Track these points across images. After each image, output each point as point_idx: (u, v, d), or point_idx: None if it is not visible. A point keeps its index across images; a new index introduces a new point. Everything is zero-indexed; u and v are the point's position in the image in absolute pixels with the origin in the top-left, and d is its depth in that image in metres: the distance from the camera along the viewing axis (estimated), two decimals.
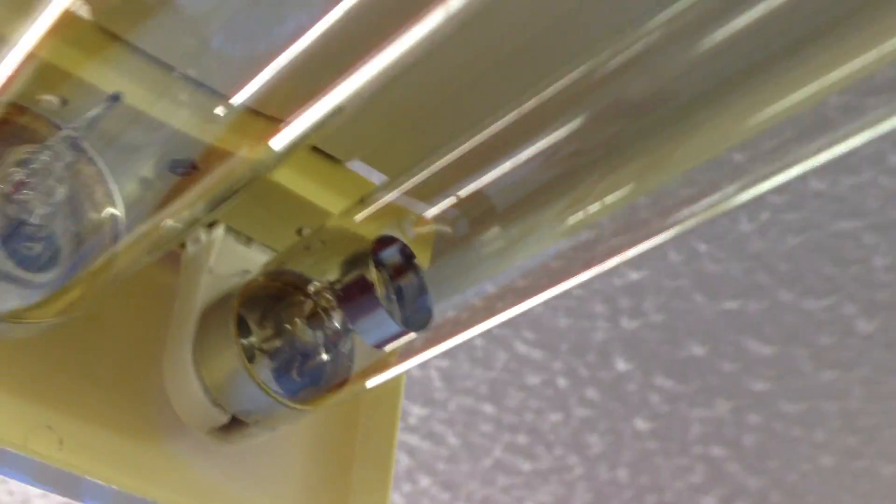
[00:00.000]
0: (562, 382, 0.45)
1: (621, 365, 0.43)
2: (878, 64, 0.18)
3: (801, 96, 0.19)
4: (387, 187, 0.21)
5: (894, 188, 0.34)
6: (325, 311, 0.21)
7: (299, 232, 0.24)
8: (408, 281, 0.20)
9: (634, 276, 0.38)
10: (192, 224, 0.19)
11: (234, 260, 0.24)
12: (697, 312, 0.40)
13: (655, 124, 0.20)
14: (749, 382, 0.44)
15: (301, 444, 0.26)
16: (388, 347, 0.20)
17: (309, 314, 0.21)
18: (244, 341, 0.21)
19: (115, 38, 0.17)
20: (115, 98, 0.17)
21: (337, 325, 0.21)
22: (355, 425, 0.27)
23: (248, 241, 0.24)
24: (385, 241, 0.20)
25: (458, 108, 0.22)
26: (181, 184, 0.18)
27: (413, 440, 0.47)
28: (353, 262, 0.20)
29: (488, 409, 0.48)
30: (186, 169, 0.19)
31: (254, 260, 0.24)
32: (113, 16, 0.17)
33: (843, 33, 0.18)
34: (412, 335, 0.20)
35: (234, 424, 0.22)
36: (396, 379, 0.27)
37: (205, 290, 0.23)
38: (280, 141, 0.17)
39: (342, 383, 0.23)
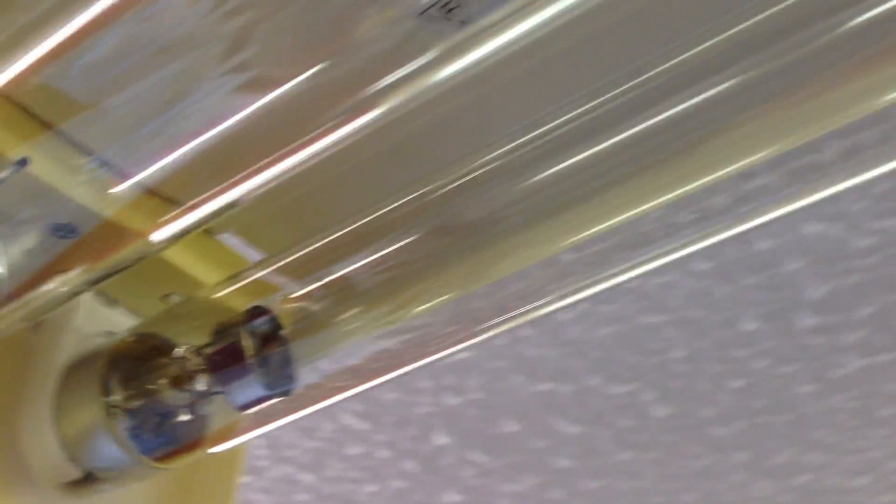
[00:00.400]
0: (382, 454, 0.47)
1: (440, 439, 0.46)
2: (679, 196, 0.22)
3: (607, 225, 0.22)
4: (258, 266, 0.23)
5: (695, 289, 0.38)
6: (191, 374, 0.23)
7: (165, 297, 0.25)
8: (275, 350, 0.22)
9: (460, 355, 0.41)
10: (75, 294, 0.20)
11: (97, 320, 0.25)
12: (514, 392, 0.43)
13: (481, 241, 0.23)
14: (555, 460, 0.47)
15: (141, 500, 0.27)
16: (251, 411, 0.22)
17: (174, 377, 0.23)
18: (106, 399, 0.22)
19: (23, 110, 0.18)
20: (23, 162, 0.18)
21: (201, 387, 0.22)
22: (191, 489, 0.28)
23: (113, 302, 0.25)
24: (258, 312, 0.22)
25: (328, 199, 0.24)
26: (70, 252, 0.19)
27: None
28: (226, 328, 0.22)
29: (307, 478, 0.49)
30: (66, 233, 0.20)
31: (117, 322, 0.25)
32: (22, 91, 0.18)
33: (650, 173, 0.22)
34: (276, 399, 0.21)
35: (87, 480, 0.23)
36: (237, 448, 0.28)
37: (68, 348, 0.24)
38: (172, 227, 0.18)
39: (197, 444, 0.24)
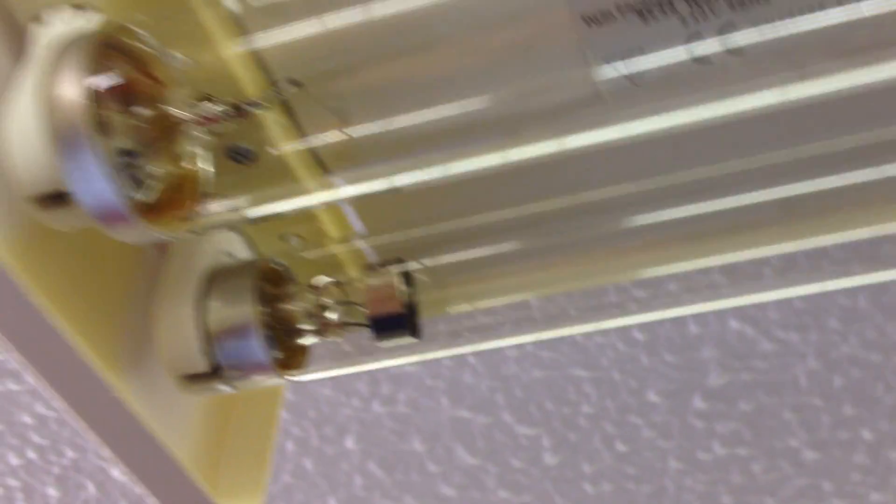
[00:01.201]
0: (289, 447, 0.50)
1: (348, 444, 0.49)
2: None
3: None
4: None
5: (624, 354, 0.44)
6: (326, 304, 0.26)
7: (282, 237, 0.29)
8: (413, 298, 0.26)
9: (408, 368, 0.45)
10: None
11: (225, 240, 0.28)
12: (436, 413, 0.47)
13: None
14: (440, 486, 0.52)
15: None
16: (388, 344, 0.26)
17: (317, 303, 0.26)
18: (258, 307, 0.26)
19: None
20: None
21: (336, 317, 0.26)
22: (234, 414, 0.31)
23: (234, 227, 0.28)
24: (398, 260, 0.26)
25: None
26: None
27: None
28: (374, 269, 0.26)
29: None
30: (242, 157, 0.24)
31: (238, 247, 0.28)
32: None
33: None
34: (411, 340, 0.26)
35: (207, 375, 0.26)
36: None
37: (206, 257, 0.27)
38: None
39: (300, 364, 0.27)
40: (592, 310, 0.29)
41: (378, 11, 0.23)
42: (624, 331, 0.43)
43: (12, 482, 0.54)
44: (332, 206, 0.28)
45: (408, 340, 0.26)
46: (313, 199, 0.24)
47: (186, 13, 0.22)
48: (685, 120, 0.22)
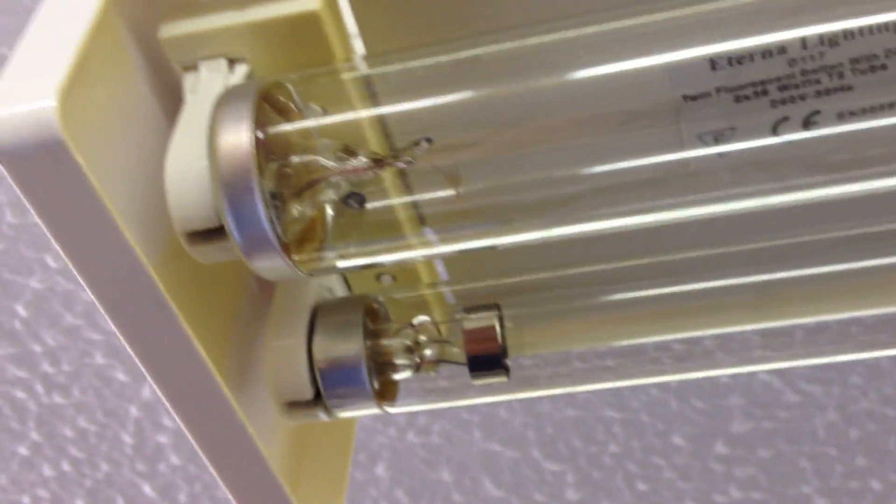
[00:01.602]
0: None
1: (378, 471, 0.51)
2: None
3: None
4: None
5: (656, 399, 0.47)
6: (424, 342, 0.28)
7: (378, 277, 0.31)
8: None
9: None
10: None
11: (326, 277, 0.30)
12: (468, 445, 0.49)
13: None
14: None
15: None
16: (481, 382, 0.28)
17: (415, 340, 0.28)
18: (365, 342, 0.28)
19: None
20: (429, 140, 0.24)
21: (432, 354, 0.28)
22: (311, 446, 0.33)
23: None
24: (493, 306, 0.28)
25: None
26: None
27: None
28: (473, 309, 0.28)
29: None
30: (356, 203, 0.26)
31: (336, 283, 0.30)
32: None
33: None
34: (503, 379, 0.28)
35: (310, 403, 0.28)
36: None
37: (312, 292, 0.29)
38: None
39: (391, 397, 0.29)
40: (629, 359, 0.32)
41: (492, 89, 0.25)
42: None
43: (42, 493, 0.55)
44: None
45: (500, 379, 0.28)
46: (417, 253, 0.26)
47: (328, 75, 0.24)
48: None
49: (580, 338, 0.32)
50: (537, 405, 0.47)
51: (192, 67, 0.24)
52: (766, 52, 0.25)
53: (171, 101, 0.25)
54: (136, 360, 0.25)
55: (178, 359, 0.25)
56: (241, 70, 0.24)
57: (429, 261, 0.30)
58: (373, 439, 0.50)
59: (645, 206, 0.26)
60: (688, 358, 0.36)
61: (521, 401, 0.47)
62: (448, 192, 0.25)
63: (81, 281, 0.23)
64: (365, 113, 0.24)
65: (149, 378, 0.25)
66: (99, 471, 0.53)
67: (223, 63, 0.24)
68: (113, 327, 0.24)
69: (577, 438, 0.49)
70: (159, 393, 0.26)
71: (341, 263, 0.26)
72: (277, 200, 0.23)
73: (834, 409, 0.45)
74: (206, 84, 0.24)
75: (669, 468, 0.50)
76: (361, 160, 0.23)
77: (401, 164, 0.23)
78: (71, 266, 0.23)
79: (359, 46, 0.26)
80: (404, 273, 0.30)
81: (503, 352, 0.28)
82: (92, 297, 0.24)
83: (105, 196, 0.21)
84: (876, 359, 0.44)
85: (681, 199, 0.27)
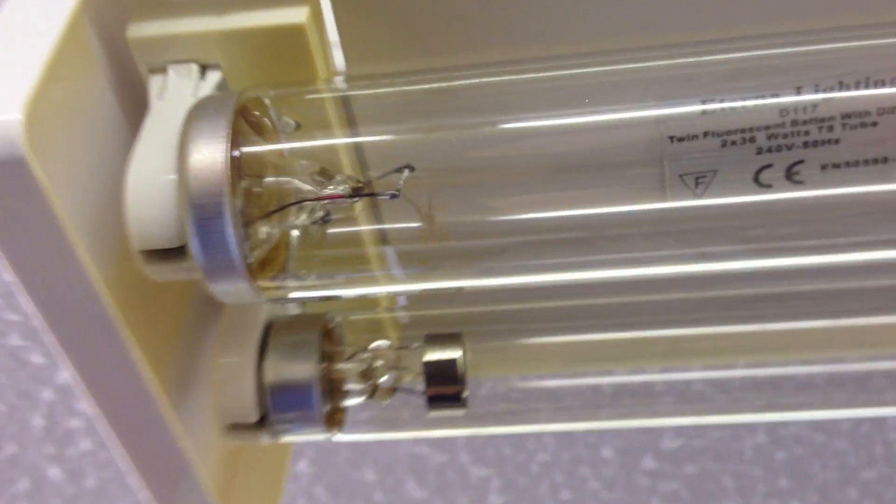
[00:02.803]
0: None
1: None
2: None
3: None
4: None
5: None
6: (382, 368, 0.27)
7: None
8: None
9: None
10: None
11: None
12: (398, 447, 0.48)
13: None
14: None
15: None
16: (435, 416, 0.27)
17: (373, 365, 0.27)
18: (321, 364, 0.26)
19: None
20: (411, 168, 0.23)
21: (388, 380, 0.27)
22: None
23: None
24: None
25: None
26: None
27: None
28: (437, 339, 0.27)
29: None
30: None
31: None
32: None
33: None
34: (461, 412, 0.27)
35: (255, 426, 0.26)
36: None
37: (264, 311, 0.27)
38: None
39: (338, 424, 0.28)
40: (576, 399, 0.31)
41: (471, 128, 0.24)
42: (595, 386, 0.45)
43: None
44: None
45: (458, 412, 0.27)
46: (381, 290, 0.25)
47: (306, 93, 0.23)
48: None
49: (532, 366, 0.31)
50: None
51: (160, 70, 0.23)
52: (760, 97, 0.25)
53: (134, 104, 0.23)
54: (74, 371, 0.24)
55: (117, 370, 0.23)
56: (214, 77, 0.23)
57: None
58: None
59: (622, 257, 0.26)
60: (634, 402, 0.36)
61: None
62: (421, 224, 0.24)
63: (23, 288, 0.22)
64: (342, 136, 0.23)
65: (83, 386, 0.24)
66: (3, 451, 0.51)
67: (194, 68, 0.22)
68: (48, 329, 0.23)
69: (507, 446, 0.48)
70: (94, 403, 0.24)
71: (305, 294, 0.24)
72: (244, 221, 0.22)
73: (764, 432, 0.46)
74: (175, 90, 0.22)
75: (595, 479, 0.50)
76: (341, 188, 0.21)
77: (386, 196, 0.21)
78: (12, 269, 0.21)
79: (338, 57, 0.25)
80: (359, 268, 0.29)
81: (463, 385, 0.27)
82: (34, 307, 0.22)
83: (60, 210, 0.19)
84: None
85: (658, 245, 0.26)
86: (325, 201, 0.22)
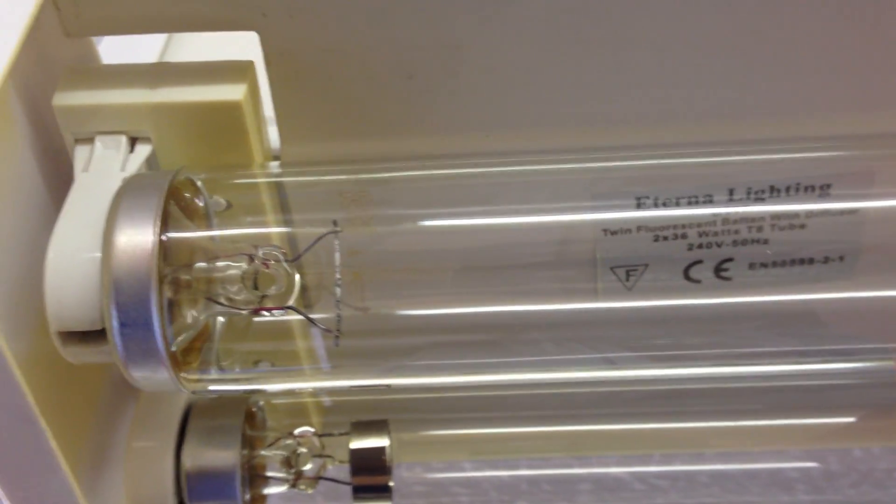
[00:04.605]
0: None
1: None
2: None
3: None
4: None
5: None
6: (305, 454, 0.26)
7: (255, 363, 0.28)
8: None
9: None
10: None
11: None
12: None
13: None
14: None
15: None
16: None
17: (297, 452, 0.26)
18: (243, 451, 0.25)
19: None
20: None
21: (309, 469, 0.26)
22: None
23: None
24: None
25: None
26: None
27: None
28: (364, 427, 0.26)
29: None
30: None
31: None
32: None
33: None
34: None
35: None
36: None
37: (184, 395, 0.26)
38: None
39: None
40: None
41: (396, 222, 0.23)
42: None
43: None
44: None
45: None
46: (309, 385, 0.24)
47: (239, 177, 0.22)
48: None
49: (451, 453, 0.31)
50: None
51: (87, 141, 0.21)
52: (693, 199, 0.25)
53: (57, 174, 0.22)
54: None
55: (25, 449, 0.21)
56: (144, 151, 0.21)
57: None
58: None
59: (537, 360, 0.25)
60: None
61: None
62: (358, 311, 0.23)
63: None
64: (273, 219, 0.22)
65: None
66: None
67: (123, 140, 0.21)
68: None
69: None
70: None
71: (227, 387, 0.23)
72: (171, 307, 0.21)
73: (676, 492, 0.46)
74: (101, 162, 0.21)
75: None
76: (273, 289, 0.21)
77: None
78: None
79: (272, 133, 0.24)
80: (284, 361, 0.28)
81: (390, 475, 0.26)
82: None
83: None
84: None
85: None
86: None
